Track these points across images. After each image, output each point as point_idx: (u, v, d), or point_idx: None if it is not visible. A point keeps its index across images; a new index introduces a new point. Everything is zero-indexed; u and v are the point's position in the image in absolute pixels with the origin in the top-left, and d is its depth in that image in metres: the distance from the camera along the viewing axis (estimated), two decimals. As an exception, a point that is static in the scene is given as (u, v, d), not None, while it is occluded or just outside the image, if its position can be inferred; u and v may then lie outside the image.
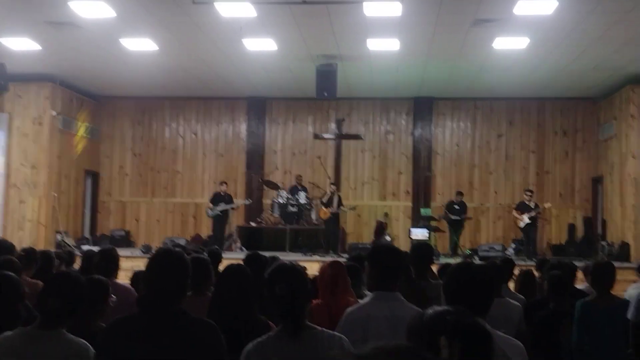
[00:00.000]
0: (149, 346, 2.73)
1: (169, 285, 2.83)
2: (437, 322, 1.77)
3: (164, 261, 2.92)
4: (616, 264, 11.43)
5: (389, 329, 3.35)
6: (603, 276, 4.90)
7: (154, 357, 2.72)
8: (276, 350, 2.81)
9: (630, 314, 4.18)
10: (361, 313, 3.47)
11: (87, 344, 3.07)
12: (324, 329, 2.92)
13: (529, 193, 14.60)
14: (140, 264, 12.69)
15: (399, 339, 3.37)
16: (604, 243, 14.37)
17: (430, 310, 1.84)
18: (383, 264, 3.52)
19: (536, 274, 7.56)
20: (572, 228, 16.00)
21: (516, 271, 6.53)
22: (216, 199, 15.00)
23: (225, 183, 15.38)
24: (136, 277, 5.88)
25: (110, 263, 5.15)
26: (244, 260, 5.22)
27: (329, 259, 13.21)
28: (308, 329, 2.87)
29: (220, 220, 14.94)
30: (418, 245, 5.15)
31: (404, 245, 15.51)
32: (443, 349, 1.71)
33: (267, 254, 5.86)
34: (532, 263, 10.95)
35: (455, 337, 1.72)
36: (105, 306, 3.82)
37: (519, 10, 9.81)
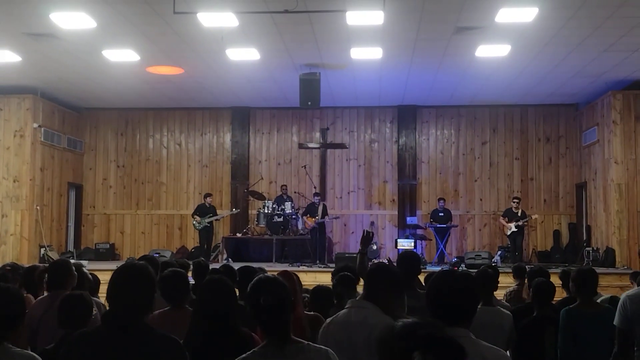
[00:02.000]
0: None
1: (132, 300, 2.79)
2: (408, 336, 1.74)
3: (127, 276, 2.86)
4: (602, 269, 11.51)
5: (362, 335, 3.38)
6: (586, 283, 4.87)
7: None
8: None
9: (615, 320, 4.17)
10: (339, 319, 3.56)
11: (34, 355, 3.02)
12: (309, 343, 2.87)
13: (516, 201, 14.69)
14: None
15: (369, 344, 3.36)
16: (589, 249, 14.41)
17: (399, 323, 1.80)
18: (377, 284, 3.61)
19: (514, 281, 7.58)
20: (557, 234, 16.06)
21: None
22: (202, 210, 14.98)
23: (210, 195, 15.40)
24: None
25: (55, 276, 4.98)
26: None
27: (316, 268, 13.28)
28: (294, 342, 2.82)
29: (207, 232, 14.93)
30: (405, 254, 5.10)
31: (390, 254, 15.53)
32: None
33: (254, 265, 5.81)
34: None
35: (428, 351, 1.69)
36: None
37: (500, 17, 9.85)
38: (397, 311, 3.51)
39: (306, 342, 2.87)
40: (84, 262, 10.99)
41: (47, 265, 5.23)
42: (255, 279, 2.98)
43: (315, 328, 4.27)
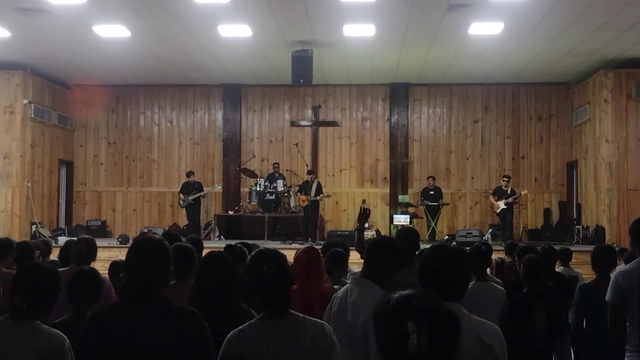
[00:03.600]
0: (133, 335, 2.70)
1: (150, 274, 2.81)
2: (403, 307, 1.75)
3: (145, 249, 2.89)
4: (592, 247, 11.60)
5: (354, 316, 3.39)
6: (604, 259, 5.00)
7: (138, 346, 2.69)
8: (258, 337, 2.80)
9: (607, 296, 4.22)
10: (340, 296, 3.56)
11: (63, 335, 3.05)
12: (305, 316, 2.91)
13: (506, 179, 14.75)
14: (118, 254, 12.59)
15: (358, 326, 3.37)
16: (579, 227, 14.52)
17: (396, 295, 1.81)
18: (377, 259, 3.52)
19: (507, 258, 7.64)
20: (547, 212, 16.16)
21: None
22: (186, 188, 15.02)
23: (193, 173, 15.40)
24: (113, 267, 5.85)
25: (90, 250, 5.26)
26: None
27: (306, 245, 13.31)
28: (290, 315, 2.86)
29: (193, 209, 14.95)
30: (404, 230, 5.11)
31: (382, 232, 15.58)
32: (411, 334, 1.68)
33: (249, 242, 5.85)
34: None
35: (423, 321, 1.70)
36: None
37: (493, -5, 9.82)
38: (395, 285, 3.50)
39: (302, 315, 2.91)
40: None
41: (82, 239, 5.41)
42: (256, 250, 3.04)
43: None
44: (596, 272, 5.05)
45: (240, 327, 2.87)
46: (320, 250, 6.20)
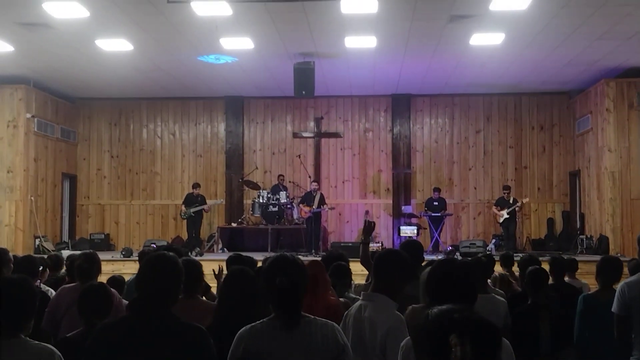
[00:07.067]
0: (139, 350, 2.72)
1: (160, 290, 2.83)
2: (445, 320, 1.77)
3: (158, 265, 2.91)
4: (595, 257, 11.63)
5: (369, 332, 3.37)
6: (609, 271, 5.00)
7: None
8: (270, 336, 2.84)
9: (613, 307, 4.22)
10: (352, 313, 3.55)
11: (53, 348, 2.98)
12: (316, 317, 2.94)
13: (506, 191, 14.76)
14: (121, 268, 12.53)
15: (375, 342, 3.36)
16: (582, 237, 14.49)
17: (434, 310, 1.82)
18: (387, 272, 3.50)
19: (503, 270, 7.64)
20: (551, 222, 16.13)
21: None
22: (189, 200, 14.94)
23: (199, 185, 15.29)
24: (110, 282, 5.83)
25: (92, 265, 5.18)
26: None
27: (311, 258, 13.30)
28: (302, 316, 2.91)
29: (193, 222, 14.84)
30: (407, 243, 5.13)
31: (385, 243, 15.57)
32: (455, 347, 1.69)
33: (250, 254, 5.86)
34: (516, 258, 11.01)
35: (466, 334, 1.71)
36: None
37: (494, 6, 9.84)
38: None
39: (312, 316, 2.94)
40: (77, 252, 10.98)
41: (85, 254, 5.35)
42: (275, 257, 3.04)
43: None
44: (599, 282, 5.03)
45: (252, 324, 2.91)
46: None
